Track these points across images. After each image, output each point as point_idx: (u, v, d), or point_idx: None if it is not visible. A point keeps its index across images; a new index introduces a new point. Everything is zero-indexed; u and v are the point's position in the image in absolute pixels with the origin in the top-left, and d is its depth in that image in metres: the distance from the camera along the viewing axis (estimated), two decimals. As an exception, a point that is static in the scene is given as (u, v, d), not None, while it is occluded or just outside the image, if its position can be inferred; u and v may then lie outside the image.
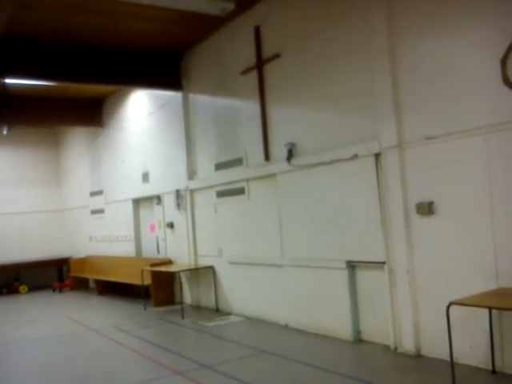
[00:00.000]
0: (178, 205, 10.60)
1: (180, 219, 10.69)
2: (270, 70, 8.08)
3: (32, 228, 15.74)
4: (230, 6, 7.62)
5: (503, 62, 4.93)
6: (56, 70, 9.11)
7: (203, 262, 10.06)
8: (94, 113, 13.77)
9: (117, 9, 7.86)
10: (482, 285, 5.06)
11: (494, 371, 5.12)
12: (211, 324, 8.56)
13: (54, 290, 14.48)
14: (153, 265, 10.68)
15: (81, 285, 14.43)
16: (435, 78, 5.60)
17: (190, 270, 10.10)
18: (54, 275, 15.08)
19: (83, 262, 14.62)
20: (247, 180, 8.69)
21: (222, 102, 9.39)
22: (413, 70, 5.83)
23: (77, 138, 15.63)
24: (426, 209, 5.70)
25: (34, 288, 14.87)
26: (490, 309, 4.95)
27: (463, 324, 5.28)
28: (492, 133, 5.06)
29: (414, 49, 5.82)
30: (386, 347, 6.29)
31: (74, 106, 13.22)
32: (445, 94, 5.50)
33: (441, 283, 5.62)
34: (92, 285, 14.13)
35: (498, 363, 5.13)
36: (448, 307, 4.62)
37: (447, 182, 5.53)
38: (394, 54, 6.01)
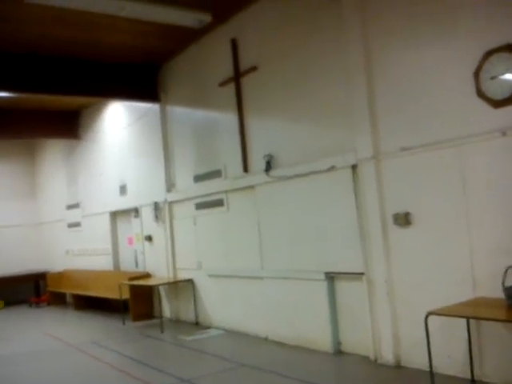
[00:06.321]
0: (157, 217, 10.52)
1: (158, 232, 10.60)
2: (247, 82, 8.10)
3: (7, 242, 15.40)
4: (207, 18, 7.66)
5: (476, 75, 5.02)
6: (32, 82, 8.96)
7: (182, 275, 9.98)
8: (70, 125, 13.59)
9: (94, 21, 7.80)
10: (459, 295, 5.10)
11: (473, 380, 5.15)
12: (191, 338, 8.48)
13: (30, 306, 14.21)
14: (131, 278, 10.55)
15: (58, 300, 14.17)
16: (410, 90, 5.66)
17: (169, 283, 10.01)
18: (30, 290, 14.81)
19: (60, 276, 14.38)
20: (226, 192, 8.67)
21: (199, 113, 9.38)
22: (388, 82, 5.90)
23: (53, 151, 15.45)
24: (403, 219, 5.74)
25: (11, 303, 14.56)
26: (468, 318, 4.99)
27: (442, 334, 5.31)
28: (466, 144, 5.12)
29: (389, 62, 5.88)
30: (366, 358, 6.29)
31: (49, 118, 13.04)
32: (420, 106, 5.57)
33: (419, 293, 5.65)
34: (69, 299, 13.89)
35: (476, 372, 5.16)
36: (426, 317, 4.65)
37: (423, 193, 5.59)
38: (369, 66, 6.06)
